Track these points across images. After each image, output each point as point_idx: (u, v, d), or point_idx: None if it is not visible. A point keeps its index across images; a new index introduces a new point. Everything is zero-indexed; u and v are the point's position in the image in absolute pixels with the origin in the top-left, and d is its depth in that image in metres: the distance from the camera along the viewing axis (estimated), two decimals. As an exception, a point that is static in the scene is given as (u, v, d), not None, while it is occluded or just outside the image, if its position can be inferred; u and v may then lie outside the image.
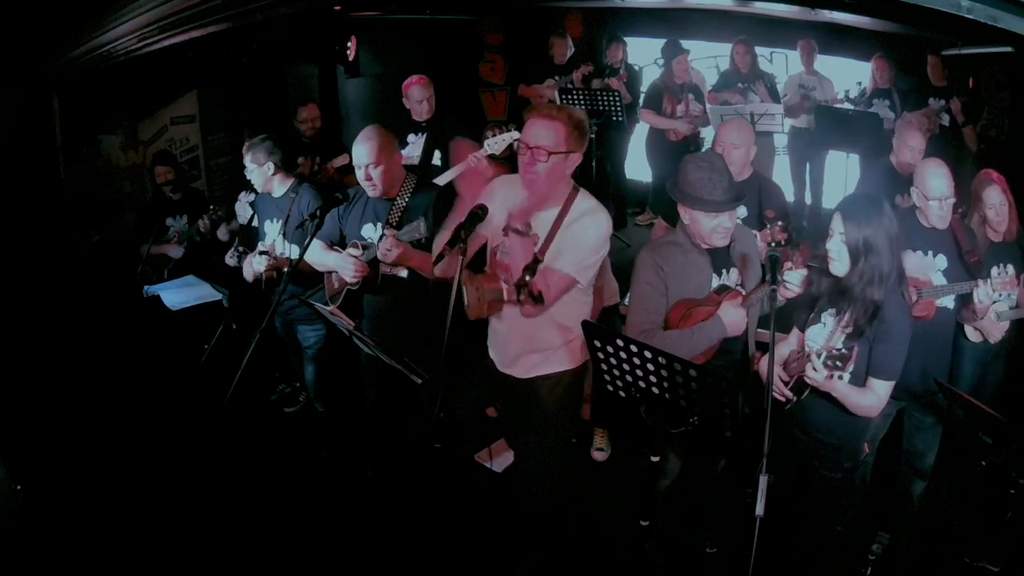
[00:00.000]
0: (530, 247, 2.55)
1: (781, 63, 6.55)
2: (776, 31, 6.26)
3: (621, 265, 3.65)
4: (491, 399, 3.98)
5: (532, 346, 2.72)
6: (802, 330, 2.61)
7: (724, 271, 2.71)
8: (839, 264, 2.40)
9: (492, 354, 2.90)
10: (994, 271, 2.87)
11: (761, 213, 3.32)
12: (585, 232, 2.55)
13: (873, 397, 2.43)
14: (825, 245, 2.43)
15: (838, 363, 2.27)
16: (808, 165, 6.07)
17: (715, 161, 2.63)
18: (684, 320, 2.60)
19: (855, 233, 2.34)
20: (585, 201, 2.62)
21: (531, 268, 2.53)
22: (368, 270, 3.17)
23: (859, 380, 2.45)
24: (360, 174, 3.09)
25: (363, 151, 3.04)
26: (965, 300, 2.87)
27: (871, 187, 2.97)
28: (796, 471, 2.71)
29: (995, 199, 2.94)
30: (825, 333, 2.48)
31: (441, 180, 3.99)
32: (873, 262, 2.33)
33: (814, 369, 2.31)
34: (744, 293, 2.65)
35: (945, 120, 5.09)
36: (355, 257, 3.15)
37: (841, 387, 2.37)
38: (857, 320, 2.37)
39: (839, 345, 2.35)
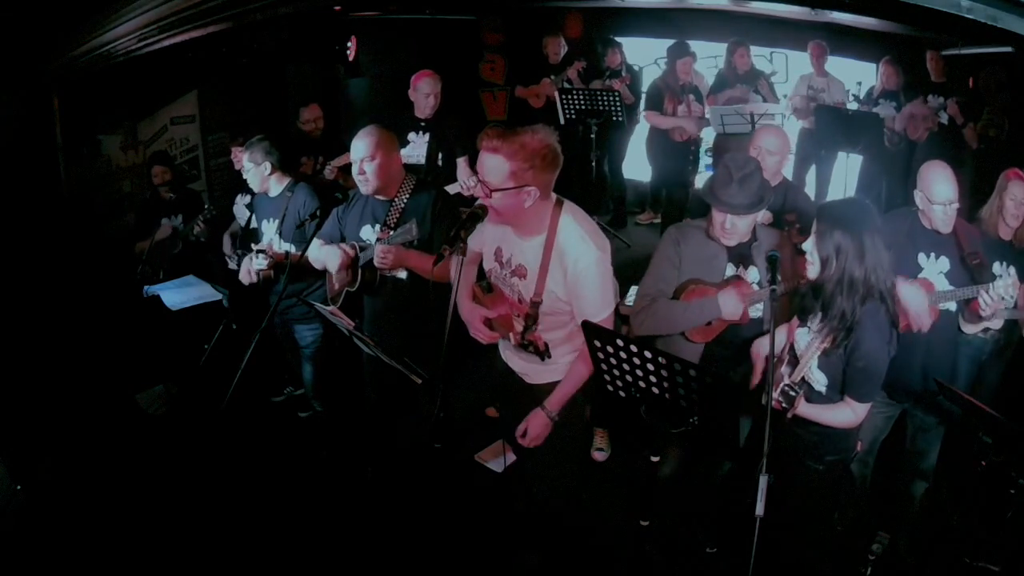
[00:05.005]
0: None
1: (781, 63, 6.54)
2: (776, 31, 6.26)
3: (621, 265, 3.64)
4: (491, 399, 3.97)
5: (547, 363, 2.64)
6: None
7: (742, 267, 2.76)
8: (812, 267, 2.37)
9: (503, 353, 2.85)
10: (996, 267, 2.87)
11: (783, 216, 3.36)
12: (587, 275, 2.41)
13: (848, 413, 2.43)
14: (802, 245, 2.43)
15: (784, 404, 2.39)
16: (815, 166, 6.05)
17: (739, 164, 2.64)
18: (687, 294, 2.76)
19: (827, 236, 2.30)
20: (569, 224, 2.42)
21: (532, 316, 2.48)
22: (350, 258, 3.16)
23: (836, 393, 2.45)
24: (354, 169, 3.07)
25: (360, 146, 3.04)
26: (968, 301, 2.87)
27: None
28: (789, 463, 2.70)
29: (1019, 194, 3.00)
30: (807, 338, 2.48)
31: (452, 189, 3.99)
32: (845, 270, 2.28)
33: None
34: (757, 289, 2.70)
35: (944, 118, 5.10)
36: (342, 249, 3.14)
37: (805, 410, 2.43)
38: (832, 330, 2.35)
39: (815, 362, 2.40)
